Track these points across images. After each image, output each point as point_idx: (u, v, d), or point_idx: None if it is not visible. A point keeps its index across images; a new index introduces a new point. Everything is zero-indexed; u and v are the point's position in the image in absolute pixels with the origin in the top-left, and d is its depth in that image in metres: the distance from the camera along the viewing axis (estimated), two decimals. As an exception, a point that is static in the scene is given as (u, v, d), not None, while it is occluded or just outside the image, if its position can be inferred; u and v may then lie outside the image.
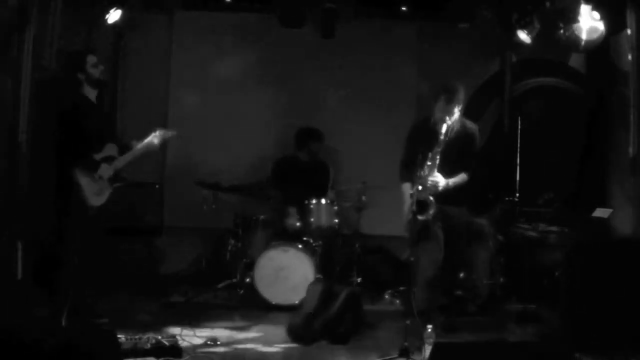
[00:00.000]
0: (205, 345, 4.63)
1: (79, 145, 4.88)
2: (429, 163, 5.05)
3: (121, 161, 5.10)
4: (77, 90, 4.99)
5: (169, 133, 5.33)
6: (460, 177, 5.23)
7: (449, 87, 5.25)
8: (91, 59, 4.99)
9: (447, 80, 5.43)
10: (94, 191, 4.93)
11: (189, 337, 4.71)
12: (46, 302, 4.91)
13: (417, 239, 4.99)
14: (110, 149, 5.08)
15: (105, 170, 4.98)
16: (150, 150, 5.22)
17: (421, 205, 4.92)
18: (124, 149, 5.16)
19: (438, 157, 5.05)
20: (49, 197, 5.16)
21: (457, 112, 5.21)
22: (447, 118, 5.12)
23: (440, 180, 5.06)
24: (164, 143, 5.34)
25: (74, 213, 4.88)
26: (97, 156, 4.98)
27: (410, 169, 5.20)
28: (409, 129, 5.58)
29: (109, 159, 5.04)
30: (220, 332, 5.01)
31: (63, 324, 4.56)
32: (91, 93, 5.04)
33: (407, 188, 5.24)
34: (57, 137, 4.94)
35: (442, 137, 5.06)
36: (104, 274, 5.24)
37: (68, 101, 5.00)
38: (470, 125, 5.38)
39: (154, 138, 5.20)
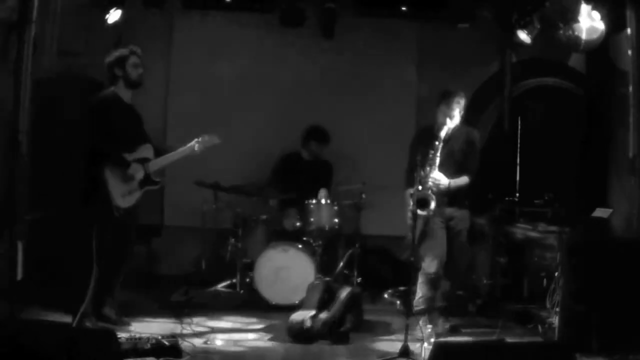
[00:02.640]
0: (205, 345, 4.62)
1: (109, 143, 4.79)
2: (429, 163, 5.06)
3: (156, 163, 5.00)
4: (110, 87, 4.93)
5: (214, 140, 5.18)
6: (462, 180, 5.22)
7: (450, 92, 5.29)
8: (134, 59, 4.96)
9: (447, 85, 5.46)
10: (122, 192, 4.82)
11: (189, 337, 4.71)
12: (53, 303, 4.90)
13: (420, 239, 5.00)
14: (145, 150, 5.00)
15: (137, 171, 4.89)
16: (189, 155, 5.12)
17: (421, 201, 4.93)
18: (160, 151, 5.07)
19: (438, 155, 5.06)
20: (55, 196, 5.13)
21: (458, 117, 5.24)
22: (449, 122, 5.16)
23: (441, 178, 5.07)
24: (205, 149, 5.18)
25: (99, 213, 4.79)
26: (130, 156, 4.88)
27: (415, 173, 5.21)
28: (412, 137, 5.61)
29: (142, 161, 4.95)
30: (220, 332, 5.01)
31: (73, 325, 4.54)
32: (125, 93, 4.97)
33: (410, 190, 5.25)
34: (88, 133, 4.87)
35: (442, 136, 5.08)
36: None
37: (99, 98, 4.92)
38: (472, 130, 5.42)
39: (195, 144, 5.11)
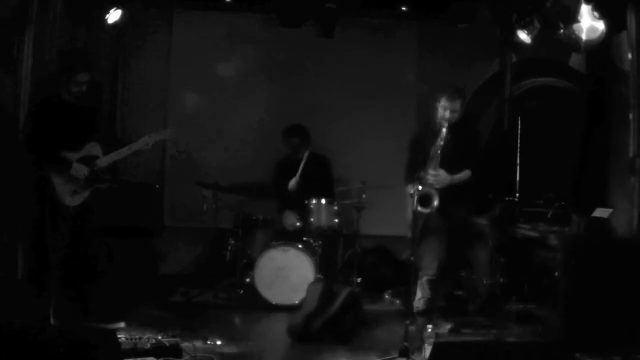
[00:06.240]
0: (205, 345, 4.62)
1: (46, 144, 4.78)
2: (431, 160, 5.07)
3: (104, 160, 4.97)
4: (53, 88, 4.92)
5: (164, 134, 5.22)
6: (465, 174, 5.24)
7: (451, 87, 5.29)
8: (82, 77, 4.90)
9: (447, 80, 5.46)
10: (68, 191, 4.83)
11: (189, 337, 4.71)
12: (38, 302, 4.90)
13: (420, 237, 5.00)
14: (92, 148, 4.97)
15: (79, 170, 4.85)
16: (140, 151, 5.12)
17: (424, 198, 4.92)
18: (111, 147, 5.03)
19: (439, 152, 5.06)
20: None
21: (459, 111, 5.24)
22: (449, 117, 5.15)
23: (442, 174, 5.07)
24: (159, 143, 5.23)
25: (48, 212, 4.78)
26: (74, 155, 4.87)
27: (415, 171, 5.22)
28: (413, 133, 5.60)
29: (88, 159, 4.92)
30: (220, 332, 5.01)
31: (52, 322, 4.54)
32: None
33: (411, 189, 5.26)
34: (23, 134, 4.91)
35: (443, 134, 5.08)
36: (101, 274, 5.19)
37: (40, 98, 4.96)
38: (473, 124, 5.42)
39: (147, 138, 5.10)
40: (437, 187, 5.05)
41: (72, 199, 4.84)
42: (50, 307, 4.64)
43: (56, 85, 4.97)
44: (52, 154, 4.82)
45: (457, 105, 5.22)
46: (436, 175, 5.06)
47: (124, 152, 5.05)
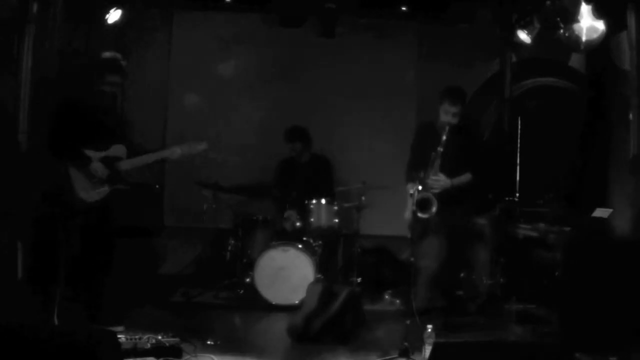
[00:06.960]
0: (205, 345, 4.62)
1: (71, 142, 4.82)
2: (431, 163, 5.07)
3: (127, 163, 4.98)
4: (94, 85, 4.95)
5: (199, 147, 5.13)
6: (465, 177, 5.25)
7: (453, 90, 5.29)
8: (113, 77, 4.95)
9: (449, 83, 5.48)
10: (84, 186, 4.84)
11: (189, 337, 4.71)
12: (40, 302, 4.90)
13: (420, 237, 5.00)
14: (117, 150, 4.98)
15: (98, 168, 4.86)
16: (168, 158, 5.14)
17: (423, 203, 4.93)
18: (135, 152, 5.05)
19: (440, 155, 5.08)
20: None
21: (460, 114, 5.25)
22: (452, 120, 5.16)
23: (442, 179, 5.08)
24: (188, 156, 5.16)
25: (62, 203, 4.83)
26: (98, 154, 4.89)
27: (416, 171, 5.23)
28: (414, 133, 5.62)
29: (111, 159, 4.95)
30: (220, 332, 5.01)
31: (55, 322, 4.54)
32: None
33: (411, 189, 5.27)
34: (50, 126, 4.91)
35: (444, 138, 5.08)
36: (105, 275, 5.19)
37: (69, 98, 4.97)
38: (474, 126, 5.43)
39: (178, 148, 5.08)
40: (437, 191, 5.04)
41: (87, 194, 4.87)
42: (55, 307, 4.64)
43: (86, 85, 4.99)
44: (75, 151, 4.85)
45: (459, 108, 5.23)
46: (436, 180, 5.06)
47: (147, 158, 5.04)
